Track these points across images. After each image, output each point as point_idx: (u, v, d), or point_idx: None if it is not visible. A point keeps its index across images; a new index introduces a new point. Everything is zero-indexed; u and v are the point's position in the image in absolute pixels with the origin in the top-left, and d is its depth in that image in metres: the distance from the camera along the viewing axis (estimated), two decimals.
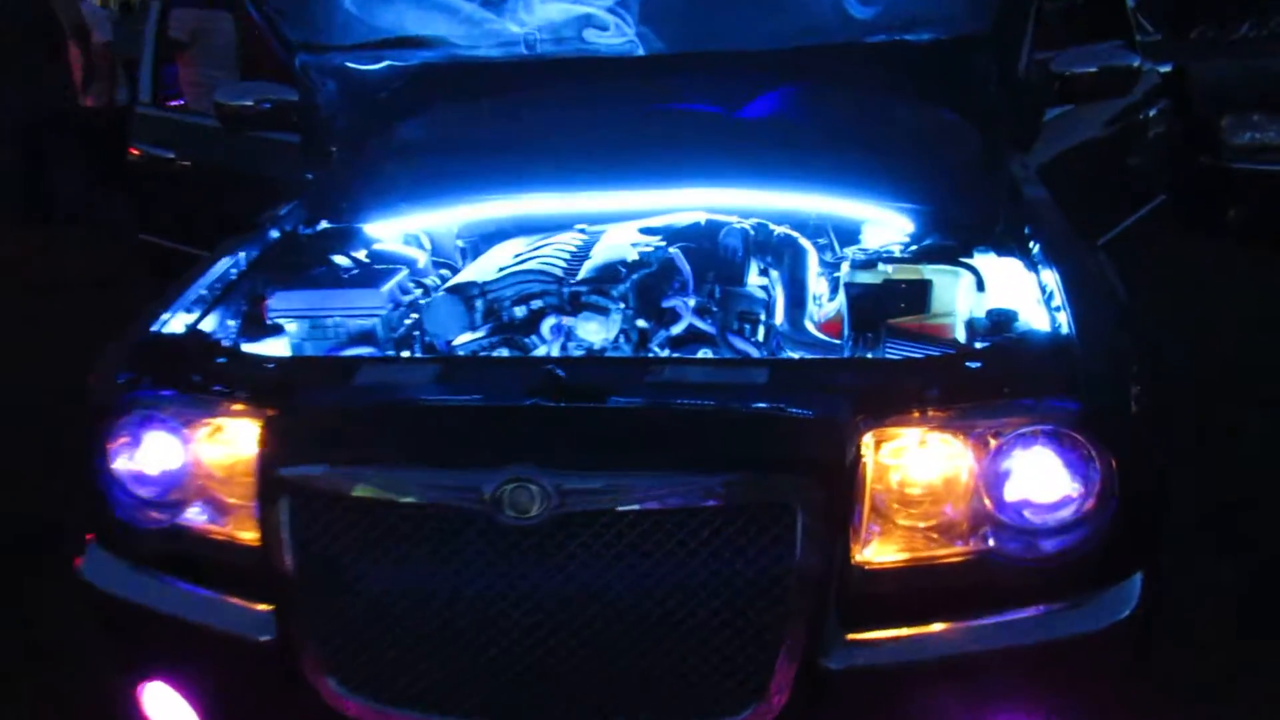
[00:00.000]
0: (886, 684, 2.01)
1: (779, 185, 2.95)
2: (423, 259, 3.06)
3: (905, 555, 2.05)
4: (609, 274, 2.67)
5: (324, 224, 3.07)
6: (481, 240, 3.21)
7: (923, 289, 2.52)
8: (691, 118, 3.23)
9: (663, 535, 1.93)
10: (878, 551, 2.05)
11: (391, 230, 3.13)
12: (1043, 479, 2.05)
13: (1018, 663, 2.05)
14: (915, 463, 2.06)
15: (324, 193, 3.22)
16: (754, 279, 2.81)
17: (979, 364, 2.17)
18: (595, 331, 2.56)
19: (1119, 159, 4.93)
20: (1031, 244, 2.60)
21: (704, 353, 2.55)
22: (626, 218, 3.02)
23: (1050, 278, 2.43)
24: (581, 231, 3.02)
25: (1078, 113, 4.23)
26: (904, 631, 2.03)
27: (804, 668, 1.96)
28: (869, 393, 2.06)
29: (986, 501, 2.05)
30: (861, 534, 2.02)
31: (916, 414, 2.04)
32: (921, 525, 2.06)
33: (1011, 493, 2.05)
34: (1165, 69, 5.78)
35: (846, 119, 3.17)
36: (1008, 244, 2.68)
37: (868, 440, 2.02)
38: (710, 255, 2.81)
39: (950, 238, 2.74)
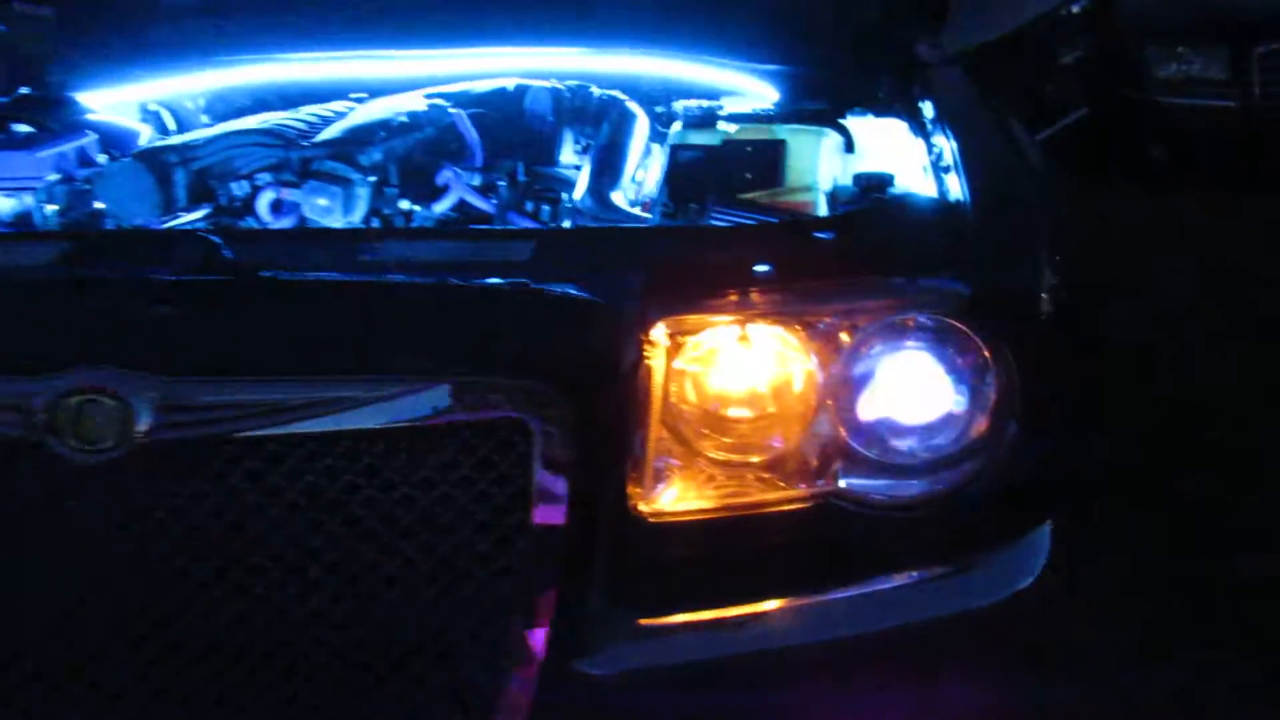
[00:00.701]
0: (683, 697, 1.36)
1: (612, 45, 2.33)
2: (147, 134, 2.36)
3: (715, 502, 1.40)
4: (360, 137, 2.00)
5: (23, 90, 2.38)
6: (234, 115, 2.52)
7: (774, 152, 1.88)
8: None
9: (319, 474, 1.25)
10: (674, 498, 1.40)
11: (116, 101, 2.43)
12: (914, 390, 1.42)
13: (880, 655, 1.43)
14: (731, 368, 1.41)
15: (30, 53, 2.52)
16: (570, 154, 2.18)
17: (829, 233, 1.53)
18: (328, 209, 1.88)
19: (1043, 62, 4.43)
20: (923, 107, 1.98)
21: None
22: (420, 85, 2.36)
23: (943, 141, 1.81)
24: (356, 101, 2.35)
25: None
26: (711, 615, 1.38)
27: (549, 676, 1.30)
28: (663, 268, 1.42)
29: (835, 424, 1.42)
30: (647, 471, 1.37)
31: (733, 297, 1.39)
32: (739, 459, 1.42)
33: (870, 410, 1.43)
34: None
35: None
36: (893, 109, 2.06)
37: (658, 334, 1.37)
38: (512, 124, 2.17)
39: (819, 101, 2.11)
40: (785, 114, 2.05)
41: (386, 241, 1.54)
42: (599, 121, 2.19)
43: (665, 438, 1.40)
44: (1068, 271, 1.59)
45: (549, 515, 1.26)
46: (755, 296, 1.39)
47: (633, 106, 2.22)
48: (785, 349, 1.42)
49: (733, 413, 1.43)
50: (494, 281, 1.35)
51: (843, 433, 1.43)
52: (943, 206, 1.60)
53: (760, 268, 1.41)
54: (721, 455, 1.43)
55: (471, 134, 2.10)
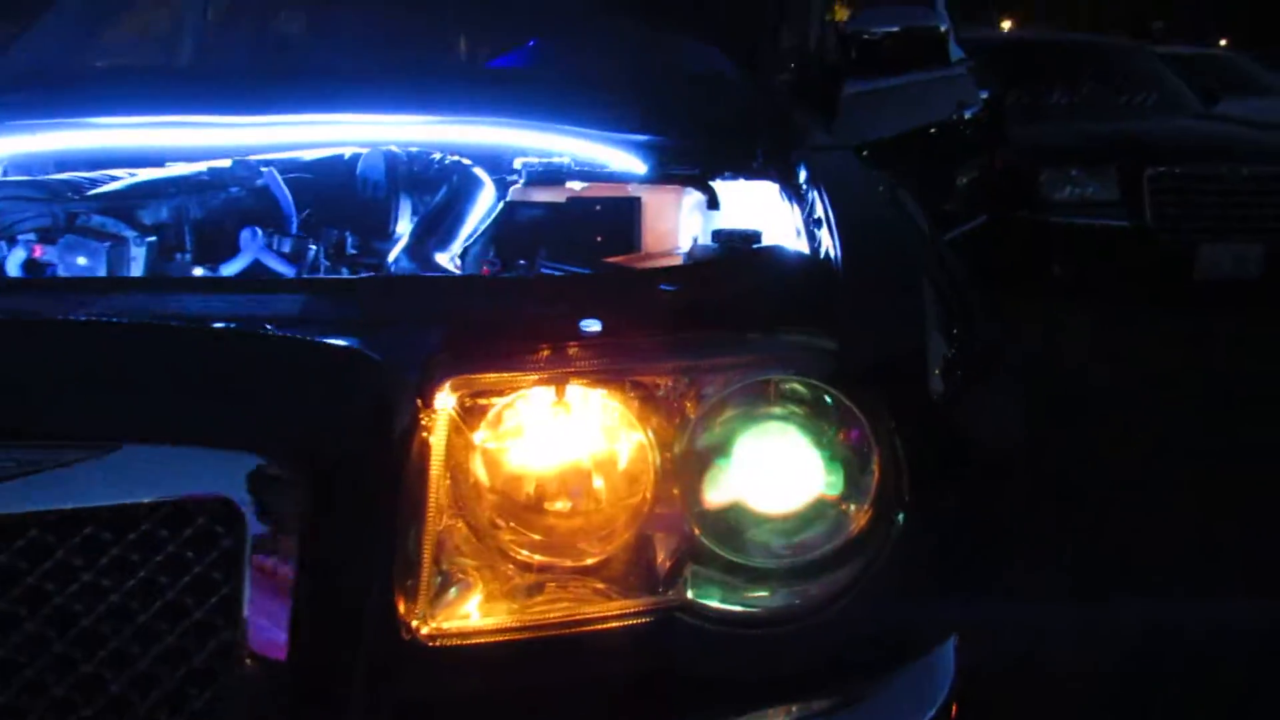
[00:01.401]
0: None
1: (466, 115, 2.09)
2: None
3: (522, 619, 1.06)
4: (144, 192, 1.70)
5: None
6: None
7: (627, 210, 1.61)
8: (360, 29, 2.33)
9: None
10: (466, 614, 1.06)
11: None
12: (777, 473, 1.12)
13: None
14: (543, 443, 1.10)
15: None
16: (406, 223, 1.90)
17: (672, 284, 1.25)
18: (88, 268, 1.55)
19: (937, 176, 4.34)
20: (800, 171, 1.75)
21: None
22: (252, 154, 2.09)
23: (819, 201, 1.57)
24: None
25: (894, 106, 3.67)
26: None
27: None
28: (456, 319, 1.11)
29: (680, 517, 1.11)
30: (424, 578, 1.03)
31: (546, 351, 1.09)
32: (554, 562, 1.09)
33: (723, 496, 1.12)
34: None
35: (559, 42, 2.32)
36: (767, 174, 1.83)
37: (444, 398, 1.06)
38: (342, 191, 1.89)
39: (685, 166, 1.87)
40: (643, 174, 1.80)
41: (112, 294, 1.21)
42: (438, 185, 1.92)
43: (454, 534, 1.07)
44: (970, 343, 1.33)
45: (267, 639, 0.91)
46: (574, 351, 1.08)
47: (477, 172, 1.96)
48: (614, 419, 1.11)
49: (546, 503, 1.11)
50: (201, 327, 1.03)
51: (689, 527, 1.11)
52: (812, 260, 1.34)
53: (583, 321, 1.12)
54: (531, 557, 1.10)
55: (285, 196, 1.81)
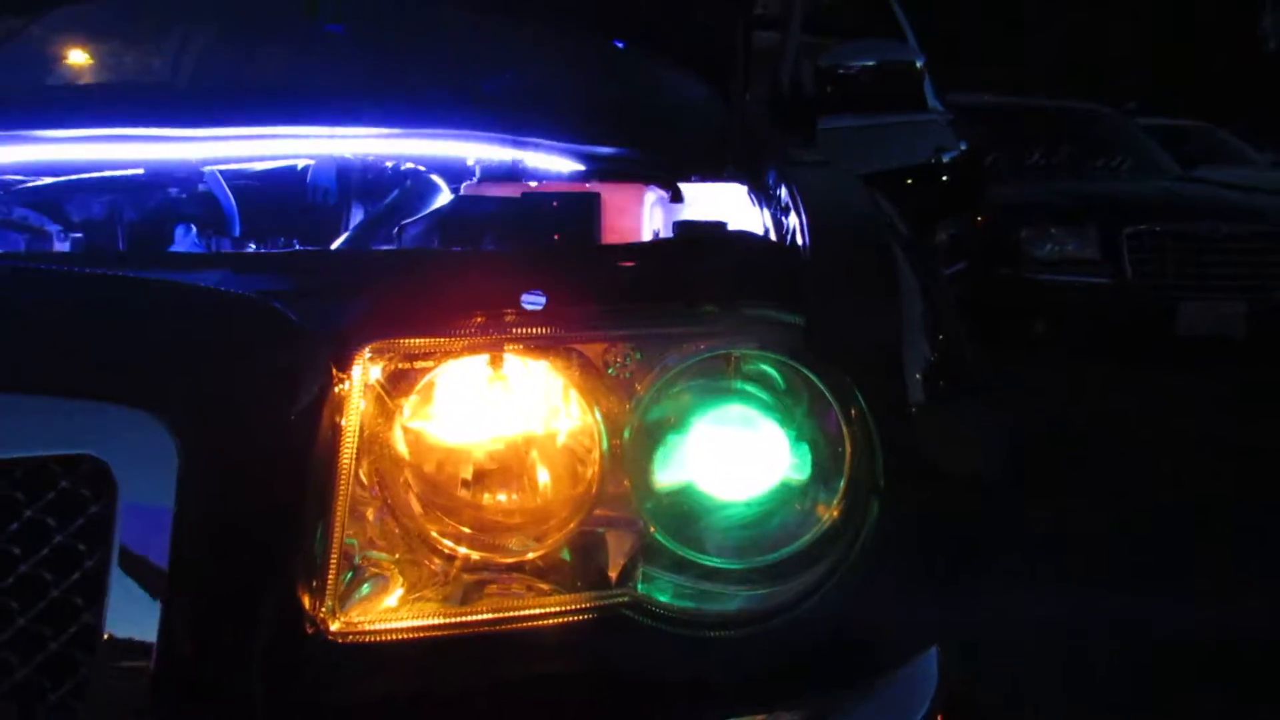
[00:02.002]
0: None
1: (421, 128, 2.00)
2: None
3: (446, 615, 0.93)
4: (74, 188, 1.60)
5: None
6: None
7: (585, 205, 1.51)
8: (290, 32, 2.24)
9: None
10: (381, 608, 0.93)
11: None
12: (737, 454, 1.01)
13: None
14: (475, 418, 0.98)
15: None
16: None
17: (626, 259, 1.14)
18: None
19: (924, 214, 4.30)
20: (770, 177, 1.66)
21: None
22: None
23: (788, 197, 1.47)
24: None
25: (870, 144, 3.62)
26: None
27: None
28: (385, 287, 1.01)
29: (628, 503, 1.00)
30: (332, 566, 0.91)
31: (480, 319, 0.98)
32: (484, 554, 0.98)
33: (674, 478, 1.00)
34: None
35: (509, 45, 2.24)
36: (735, 177, 1.74)
37: (364, 364, 0.94)
38: (290, 198, 1.80)
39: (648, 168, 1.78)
40: (604, 171, 1.70)
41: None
42: (389, 191, 1.82)
43: (371, 520, 0.95)
44: (951, 349, 1.23)
45: (137, 625, 0.79)
46: (511, 317, 0.98)
47: (433, 178, 1.87)
48: (556, 395, 1.00)
49: (478, 489, 0.99)
50: (69, 269, 0.92)
51: (639, 518, 1.00)
52: (778, 244, 1.24)
53: (525, 295, 1.01)
54: (459, 547, 0.98)
55: (228, 199, 1.71)
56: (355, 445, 0.92)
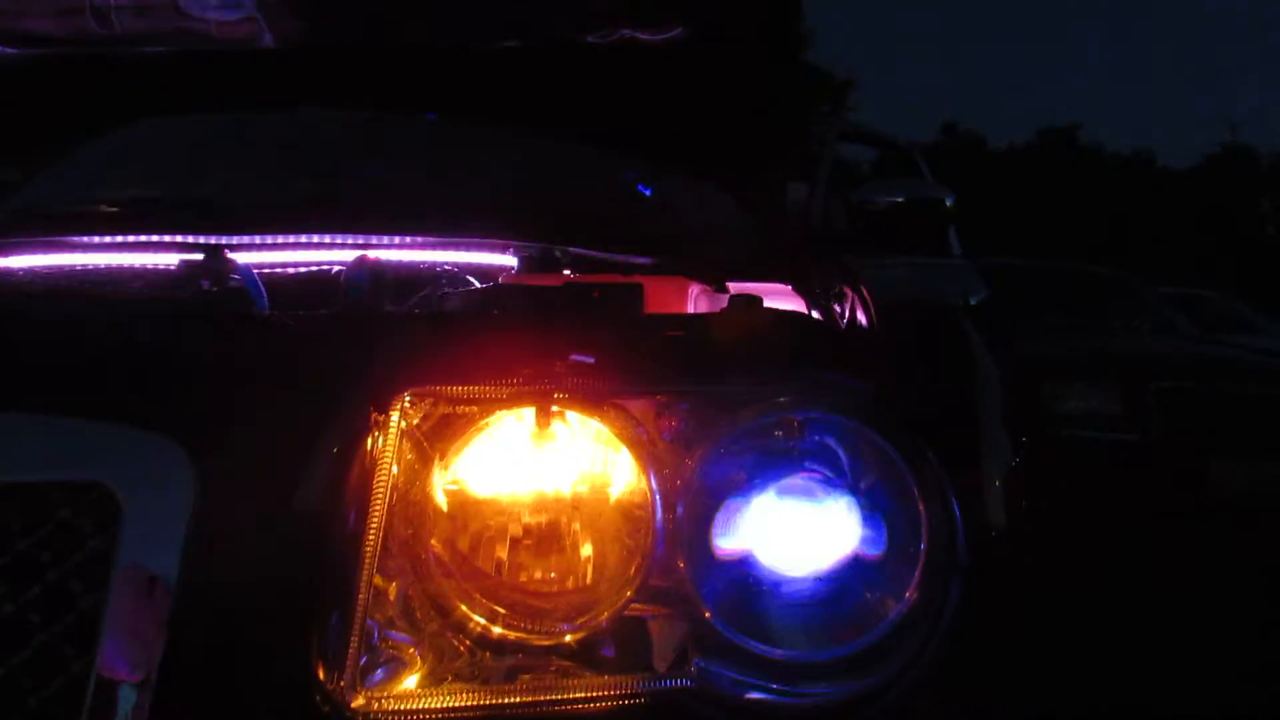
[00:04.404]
0: None
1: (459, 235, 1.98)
2: None
3: (480, 698, 0.82)
4: (101, 280, 1.57)
5: None
6: None
7: (629, 297, 1.45)
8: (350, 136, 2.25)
9: None
10: (407, 686, 0.82)
11: None
12: (804, 527, 0.91)
13: None
14: (515, 478, 0.90)
15: None
16: None
17: (683, 324, 1.07)
18: None
19: None
20: (812, 277, 1.61)
21: None
22: None
23: (838, 288, 1.42)
24: None
25: (898, 283, 3.64)
26: None
27: None
28: (425, 326, 0.94)
29: (682, 578, 0.90)
30: (355, 638, 0.80)
31: (528, 369, 0.90)
32: (523, 634, 0.88)
33: (734, 548, 0.90)
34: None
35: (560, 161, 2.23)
36: (782, 276, 1.69)
37: (404, 410, 0.85)
38: (323, 296, 1.76)
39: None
40: (645, 265, 1.65)
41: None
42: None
43: (395, 586, 0.85)
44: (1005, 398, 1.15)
45: (128, 679, 0.68)
46: (561, 370, 0.90)
47: (469, 278, 1.82)
48: (606, 453, 0.91)
49: (515, 551, 0.89)
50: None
51: (691, 591, 0.90)
52: (843, 322, 1.17)
53: (574, 343, 0.93)
54: (494, 626, 0.88)
55: (260, 292, 1.67)
56: (388, 496, 0.83)
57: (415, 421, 0.87)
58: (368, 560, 0.82)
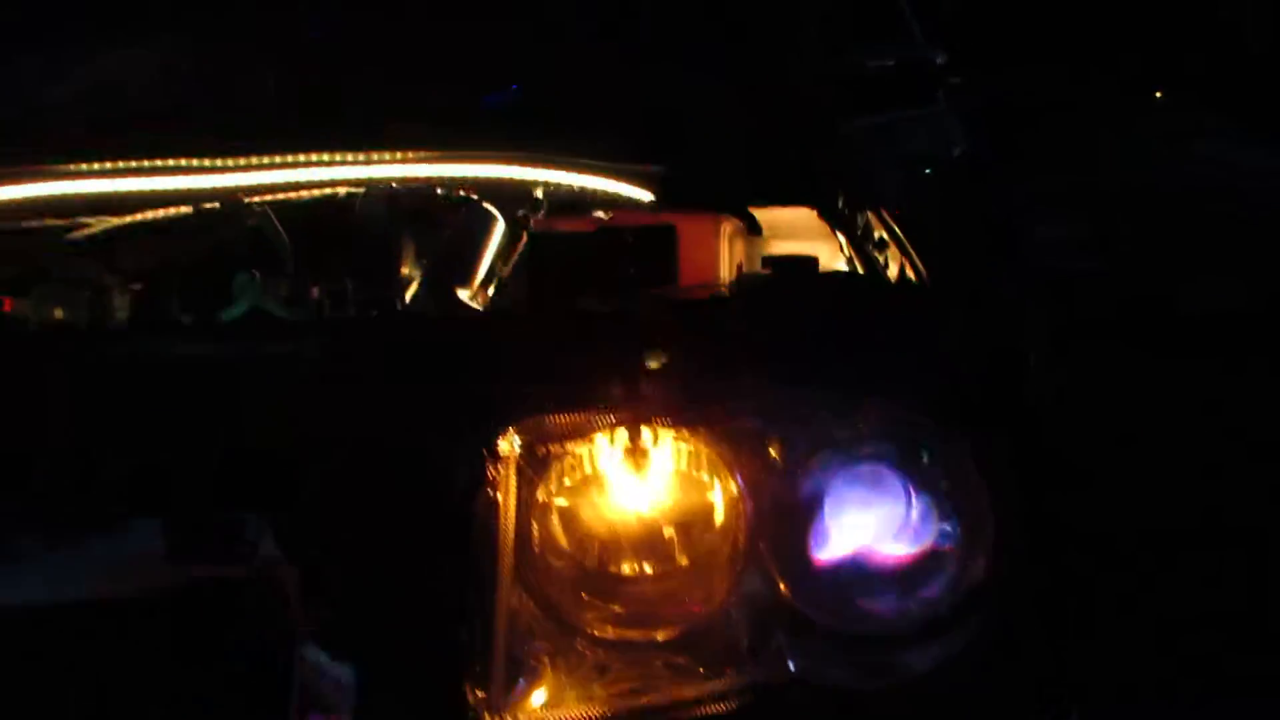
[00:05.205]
0: None
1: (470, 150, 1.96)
2: None
3: (607, 706, 0.90)
4: (118, 235, 1.56)
5: None
6: None
7: (663, 239, 1.48)
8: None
9: None
10: (543, 701, 0.90)
11: None
12: (885, 522, 0.98)
13: None
14: (619, 498, 0.96)
15: None
16: (411, 264, 1.76)
17: (746, 314, 1.12)
18: (67, 321, 1.40)
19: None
20: (835, 198, 1.63)
21: None
22: None
23: (876, 221, 1.45)
24: None
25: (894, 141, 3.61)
26: None
27: None
28: (518, 357, 0.98)
29: (774, 578, 0.97)
30: (497, 661, 0.88)
31: (619, 392, 0.94)
32: (637, 636, 0.95)
33: (826, 552, 0.98)
34: None
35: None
36: (800, 200, 1.71)
37: (511, 444, 0.92)
38: (341, 230, 1.76)
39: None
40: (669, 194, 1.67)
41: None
42: (444, 222, 1.78)
43: (526, 608, 0.93)
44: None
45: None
46: (649, 390, 0.95)
47: (486, 206, 1.83)
48: (696, 466, 0.97)
49: (625, 567, 0.97)
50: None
51: (784, 589, 0.97)
52: (893, 288, 1.22)
53: (668, 360, 0.97)
54: (612, 632, 0.95)
55: (281, 236, 1.67)
56: (511, 527, 0.89)
57: (522, 452, 0.92)
58: (504, 588, 0.88)
